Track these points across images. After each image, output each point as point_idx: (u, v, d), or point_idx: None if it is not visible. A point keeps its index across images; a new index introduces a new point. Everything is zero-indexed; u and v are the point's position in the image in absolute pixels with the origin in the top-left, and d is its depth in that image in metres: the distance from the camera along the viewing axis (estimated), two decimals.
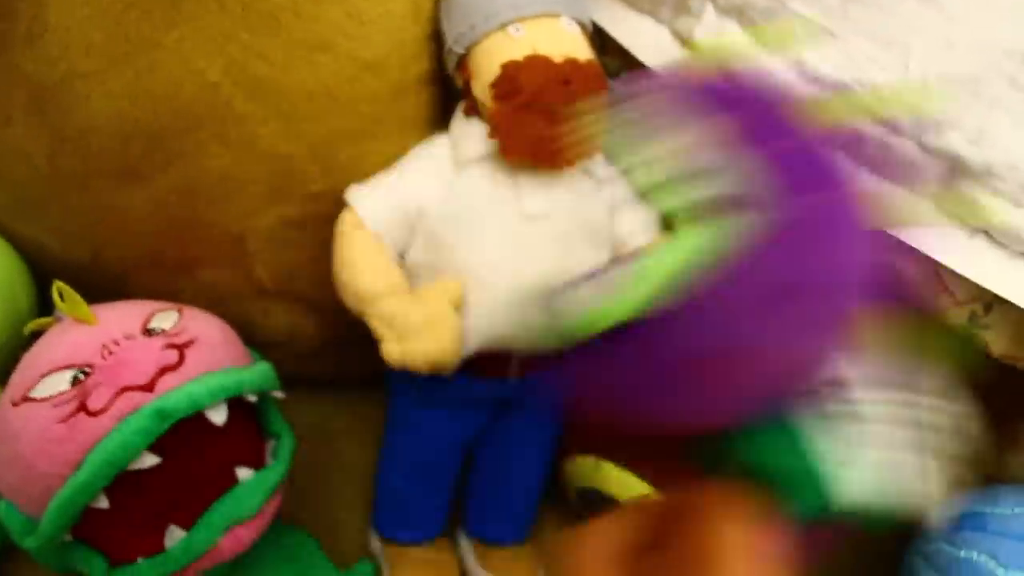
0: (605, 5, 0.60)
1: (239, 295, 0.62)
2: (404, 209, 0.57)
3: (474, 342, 0.57)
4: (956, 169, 0.50)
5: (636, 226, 0.62)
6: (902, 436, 0.44)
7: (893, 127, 0.50)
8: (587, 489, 0.65)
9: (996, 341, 0.57)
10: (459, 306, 0.56)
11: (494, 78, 0.55)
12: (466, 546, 0.66)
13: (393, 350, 0.55)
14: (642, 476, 0.63)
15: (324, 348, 0.68)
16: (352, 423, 0.73)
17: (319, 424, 0.74)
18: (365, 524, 0.67)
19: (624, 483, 0.63)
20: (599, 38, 0.60)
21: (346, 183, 0.58)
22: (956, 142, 0.49)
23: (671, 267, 0.35)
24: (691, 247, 0.35)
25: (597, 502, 0.64)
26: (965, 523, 0.61)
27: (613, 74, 0.62)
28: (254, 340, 0.60)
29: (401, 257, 0.59)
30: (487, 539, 0.65)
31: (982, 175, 0.50)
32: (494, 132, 0.55)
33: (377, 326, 0.56)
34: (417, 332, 0.55)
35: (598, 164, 0.60)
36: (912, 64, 0.49)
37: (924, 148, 0.50)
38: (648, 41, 0.58)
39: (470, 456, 0.66)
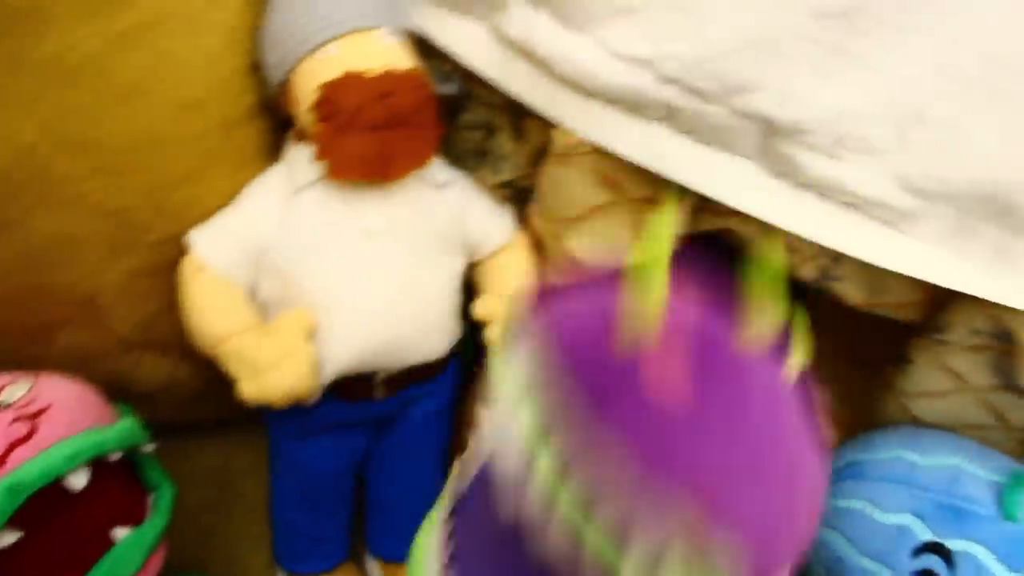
0: (425, 10, 0.59)
1: (104, 353, 0.61)
2: (246, 245, 0.57)
3: (334, 367, 0.57)
4: (769, 130, 0.50)
5: (490, 227, 0.62)
6: None
7: (701, 94, 0.50)
8: None
9: (852, 292, 0.57)
10: (312, 334, 0.56)
11: (313, 101, 0.54)
12: (372, 567, 0.66)
13: (249, 388, 0.55)
14: None
15: (208, 390, 0.67)
16: (255, 461, 0.73)
17: (221, 465, 0.73)
18: (272, 561, 0.66)
19: None
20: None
21: (187, 226, 0.57)
22: (764, 104, 0.49)
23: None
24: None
25: None
26: (844, 473, 0.62)
27: (446, 76, 0.61)
28: (132, 393, 0.59)
29: (253, 292, 0.58)
30: (392, 557, 0.65)
31: (794, 133, 0.50)
32: (320, 154, 0.54)
33: (230, 366, 0.55)
34: (270, 367, 0.54)
35: (437, 170, 0.59)
36: (711, 30, 0.49)
37: (735, 112, 0.50)
38: (468, 41, 0.58)
39: (363, 478, 0.65)
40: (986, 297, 0.51)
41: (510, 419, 0.28)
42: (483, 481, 0.34)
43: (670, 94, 0.50)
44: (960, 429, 0.64)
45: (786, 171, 0.51)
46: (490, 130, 0.62)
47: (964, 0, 0.46)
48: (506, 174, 0.62)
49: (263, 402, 0.54)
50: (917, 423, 0.65)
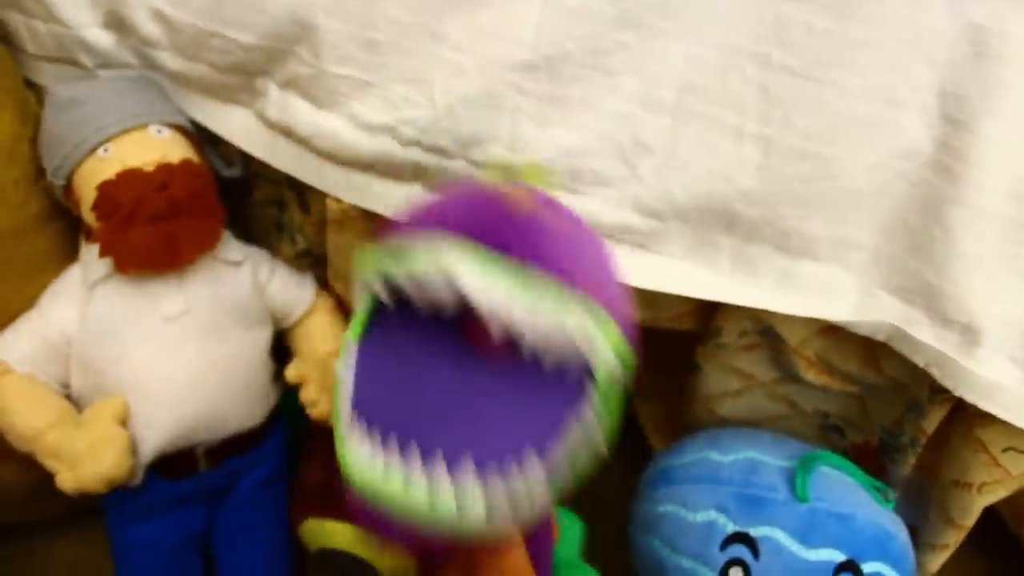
0: (197, 101, 0.62)
1: None
2: (50, 343, 0.59)
3: (151, 447, 0.59)
4: (512, 176, 0.54)
5: (292, 295, 0.65)
6: None
7: (442, 151, 0.54)
8: (324, 549, 0.67)
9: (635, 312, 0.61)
10: (125, 419, 0.58)
11: (93, 201, 0.57)
12: None
13: (66, 479, 0.57)
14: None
15: (41, 488, 0.68)
16: (109, 550, 0.74)
17: (79, 559, 0.74)
18: None
19: (350, 536, 0.65)
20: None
21: None
22: (499, 153, 0.53)
23: None
24: None
25: (337, 560, 0.66)
26: (656, 480, 0.66)
27: (229, 160, 0.64)
28: None
29: (66, 387, 0.60)
30: None
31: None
32: (104, 251, 0.57)
33: (47, 461, 0.57)
34: (84, 456, 0.56)
35: (230, 249, 0.62)
36: (437, 95, 0.53)
37: (475, 164, 0.54)
38: (239, 126, 0.61)
39: (211, 550, 0.67)
40: (733, 302, 0.55)
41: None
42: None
43: (415, 155, 0.54)
44: (764, 422, 0.68)
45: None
46: (281, 205, 0.65)
47: (655, 42, 0.51)
48: (301, 244, 0.65)
49: (83, 491, 0.56)
50: (725, 422, 0.69)
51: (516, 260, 0.33)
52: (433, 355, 0.37)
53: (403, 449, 0.33)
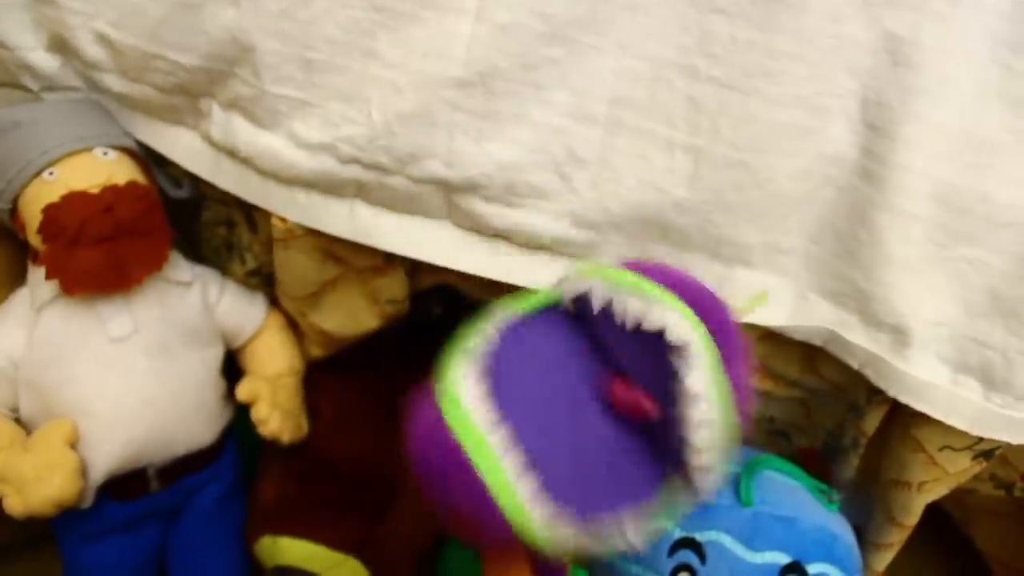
0: (143, 123, 0.63)
1: None
2: None
3: (102, 468, 0.59)
4: (448, 190, 0.55)
5: (242, 314, 0.65)
6: None
7: (382, 168, 0.55)
8: (280, 567, 0.67)
9: None
10: (74, 443, 0.58)
11: (38, 223, 0.58)
12: None
13: (15, 504, 0.57)
14: (326, 543, 0.66)
15: None
16: None
17: None
18: None
19: (305, 553, 0.65)
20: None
21: None
22: (435, 168, 0.55)
23: None
24: None
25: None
26: None
27: (177, 181, 0.65)
28: None
29: (15, 411, 0.60)
30: None
31: (469, 189, 0.55)
32: (49, 274, 0.57)
33: None
34: (33, 480, 0.57)
35: (179, 270, 0.63)
36: (374, 112, 0.54)
37: (413, 180, 0.55)
38: (184, 147, 0.62)
39: (166, 570, 0.68)
40: None
41: None
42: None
43: (354, 172, 0.55)
44: None
45: (474, 225, 0.56)
46: (231, 225, 0.66)
47: (584, 56, 0.52)
48: (251, 263, 0.66)
49: (32, 515, 0.56)
50: None
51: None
52: (572, 398, 0.41)
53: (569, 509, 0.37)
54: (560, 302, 0.42)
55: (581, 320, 0.41)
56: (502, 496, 0.35)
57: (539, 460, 0.37)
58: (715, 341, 0.37)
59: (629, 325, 0.38)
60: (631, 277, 0.38)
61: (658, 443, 0.39)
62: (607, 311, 0.39)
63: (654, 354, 0.37)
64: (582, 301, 0.40)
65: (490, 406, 0.37)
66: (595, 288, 0.39)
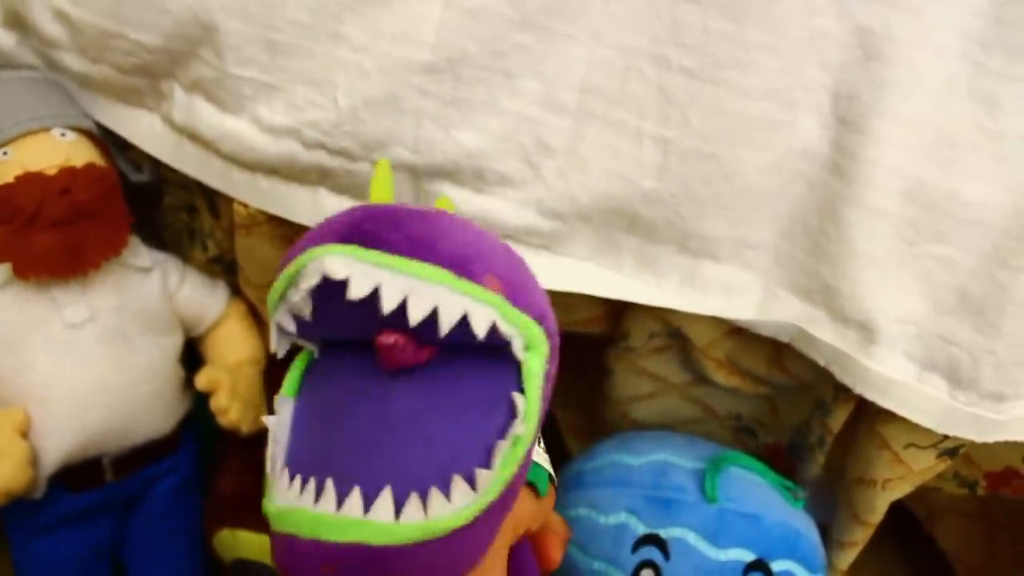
0: (103, 104, 0.62)
1: None
2: None
3: (54, 457, 0.58)
4: (416, 175, 0.54)
5: (202, 302, 0.64)
6: None
7: (347, 154, 0.54)
8: (238, 560, 0.66)
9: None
10: (25, 431, 0.57)
11: None
12: None
13: None
14: None
15: None
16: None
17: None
18: None
19: (264, 547, 0.64)
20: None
21: None
22: (402, 154, 0.53)
23: None
24: None
25: (251, 571, 0.65)
26: (569, 484, 0.66)
27: (136, 165, 0.64)
28: None
29: None
30: None
31: (438, 175, 0.54)
32: (3, 256, 0.56)
33: None
34: None
35: (138, 255, 0.61)
36: (340, 97, 0.53)
37: None
38: (144, 131, 0.61)
39: (121, 565, 0.66)
40: (638, 302, 0.56)
41: None
42: None
43: (319, 158, 0.54)
44: (678, 426, 0.69)
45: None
46: (192, 210, 0.65)
47: (555, 44, 0.51)
48: (213, 250, 0.65)
49: None
50: (640, 426, 0.70)
51: (398, 247, 0.31)
52: (356, 391, 0.35)
53: (319, 488, 0.31)
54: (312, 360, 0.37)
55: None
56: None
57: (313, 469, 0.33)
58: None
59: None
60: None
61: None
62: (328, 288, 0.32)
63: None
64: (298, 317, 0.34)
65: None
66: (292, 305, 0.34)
